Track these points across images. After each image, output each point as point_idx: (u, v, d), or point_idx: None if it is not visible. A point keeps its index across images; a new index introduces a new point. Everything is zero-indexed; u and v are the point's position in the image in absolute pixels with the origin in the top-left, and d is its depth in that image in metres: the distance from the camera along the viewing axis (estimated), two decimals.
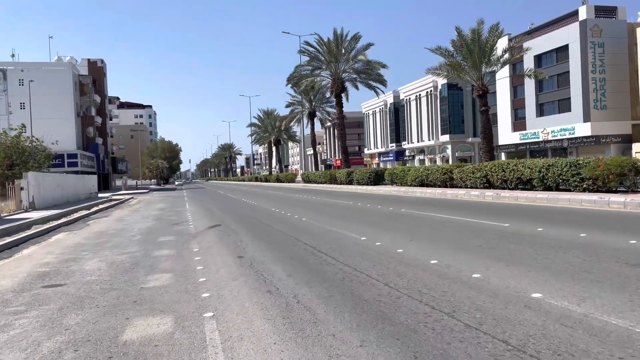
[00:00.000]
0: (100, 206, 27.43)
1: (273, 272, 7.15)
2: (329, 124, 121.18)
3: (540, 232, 9.72)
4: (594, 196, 13.69)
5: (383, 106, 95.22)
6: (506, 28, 63.15)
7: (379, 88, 38.81)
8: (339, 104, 39.36)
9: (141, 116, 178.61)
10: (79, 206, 24.63)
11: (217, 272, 7.35)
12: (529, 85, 59.20)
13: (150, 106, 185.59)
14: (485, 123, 25.32)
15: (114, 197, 37.34)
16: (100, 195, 44.56)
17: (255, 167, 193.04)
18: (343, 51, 37.23)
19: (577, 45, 51.09)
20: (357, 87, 39.70)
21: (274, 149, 75.99)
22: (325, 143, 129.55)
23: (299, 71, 40.51)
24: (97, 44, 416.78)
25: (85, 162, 55.80)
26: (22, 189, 20.83)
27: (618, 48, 50.19)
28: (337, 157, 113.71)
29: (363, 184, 32.25)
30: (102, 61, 69.69)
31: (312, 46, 38.54)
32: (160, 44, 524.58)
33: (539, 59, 57.96)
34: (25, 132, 53.61)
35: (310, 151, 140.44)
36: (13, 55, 67.68)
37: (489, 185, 19.77)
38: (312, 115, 51.54)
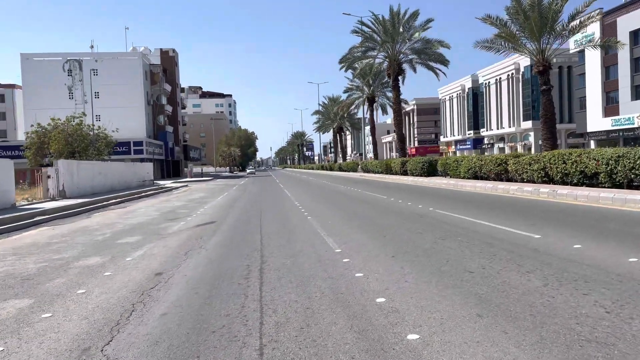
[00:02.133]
0: (142, 194, 26.98)
1: (153, 307, 5.24)
2: (404, 110, 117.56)
3: (574, 252, 7.02)
4: None
5: (460, 91, 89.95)
6: (598, 3, 56.36)
7: (439, 69, 35.40)
8: (395, 88, 36.30)
9: (221, 105, 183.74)
10: (114, 195, 24.17)
11: (88, 302, 5.55)
12: (624, 65, 52.56)
13: (230, 95, 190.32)
14: (546, 105, 21.51)
15: (167, 185, 37.26)
16: (159, 182, 45.06)
17: (332, 154, 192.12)
18: (401, 30, 34.14)
19: None
20: (414, 69, 36.52)
21: (339, 136, 73.86)
22: None
23: (352, 52, 37.96)
24: (184, 36, 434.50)
25: (152, 150, 56.97)
26: (49, 177, 20.49)
27: None
28: (411, 146, 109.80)
29: (416, 175, 29.46)
30: (173, 50, 70.95)
31: (367, 26, 35.80)
32: (241, 35, 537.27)
33: (635, 35, 51.21)
34: (99, 120, 55.71)
35: (385, 139, 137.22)
36: (92, 47, 70.72)
37: (549, 179, 16.52)
38: (371, 101, 48.65)
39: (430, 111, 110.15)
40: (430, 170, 28.19)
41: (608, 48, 21.35)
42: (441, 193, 19.53)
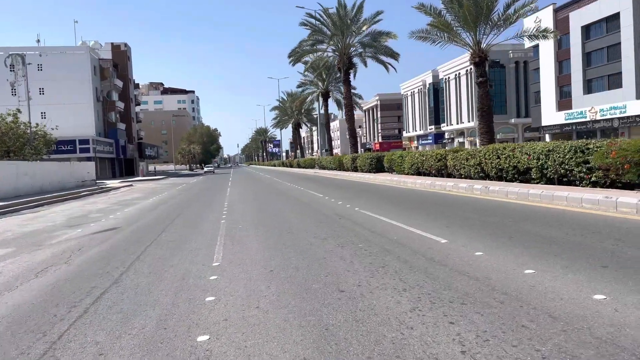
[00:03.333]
0: (72, 196, 25.28)
1: None
2: (368, 106, 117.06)
3: (472, 261, 6.16)
4: (600, 194, 9.74)
5: (422, 86, 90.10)
6: None
7: (390, 63, 34.63)
8: (346, 82, 35.36)
9: (184, 101, 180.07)
10: (39, 197, 22.48)
11: None
12: (576, 59, 53.15)
13: (192, 91, 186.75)
14: (482, 98, 20.86)
15: (110, 186, 35.47)
16: (106, 182, 43.12)
17: (298, 151, 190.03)
18: (349, 22, 33.19)
19: (630, 12, 44.79)
20: (365, 63, 35.66)
21: (298, 132, 72.61)
22: (364, 126, 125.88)
23: (302, 46, 36.77)
24: (146, 30, 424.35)
25: (101, 148, 54.55)
26: None
27: None
28: (376, 141, 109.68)
29: (365, 171, 28.67)
30: (125, 45, 68.30)
31: (316, 18, 34.65)
32: (205, 30, 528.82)
33: (587, 29, 51.82)
34: (44, 117, 53.00)
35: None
36: (38, 41, 67.62)
37: (485, 175, 15.85)
38: (325, 96, 47.57)
39: (394, 107, 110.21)
40: (379, 166, 27.41)
41: (543, 38, 20.60)
42: (379, 190, 18.70)
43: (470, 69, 73.07)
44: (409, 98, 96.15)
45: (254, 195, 20.84)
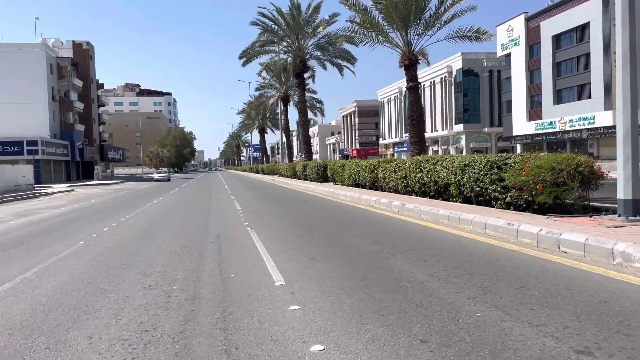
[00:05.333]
0: None
1: None
2: (346, 112, 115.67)
3: (269, 322, 4.44)
4: (504, 219, 8.09)
5: (397, 94, 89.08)
6: (523, 7, 56.36)
7: (348, 67, 33.04)
8: (300, 85, 33.74)
9: (160, 103, 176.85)
10: None
11: None
12: (546, 69, 52.31)
13: (169, 93, 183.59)
14: (413, 105, 19.18)
15: (45, 191, 33.21)
16: (52, 185, 40.86)
17: (278, 156, 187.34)
18: (302, 23, 31.55)
19: (599, 23, 43.99)
20: (324, 67, 34.13)
21: (262, 137, 70.78)
22: (343, 132, 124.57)
23: (254, 46, 35.03)
24: (123, 30, 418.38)
25: (53, 150, 51.92)
26: None
27: None
28: (352, 147, 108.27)
29: (313, 180, 27.02)
30: (87, 43, 65.76)
31: (268, 17, 32.92)
32: (188, 32, 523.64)
33: (557, 39, 51.03)
34: None
35: (329, 140, 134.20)
36: None
37: (411, 189, 14.21)
38: (285, 100, 45.76)
39: (371, 113, 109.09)
40: (325, 176, 25.77)
41: (476, 40, 18.89)
42: (303, 204, 16.95)
43: (445, 76, 72.24)
44: (386, 105, 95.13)
45: (172, 205, 19.05)
